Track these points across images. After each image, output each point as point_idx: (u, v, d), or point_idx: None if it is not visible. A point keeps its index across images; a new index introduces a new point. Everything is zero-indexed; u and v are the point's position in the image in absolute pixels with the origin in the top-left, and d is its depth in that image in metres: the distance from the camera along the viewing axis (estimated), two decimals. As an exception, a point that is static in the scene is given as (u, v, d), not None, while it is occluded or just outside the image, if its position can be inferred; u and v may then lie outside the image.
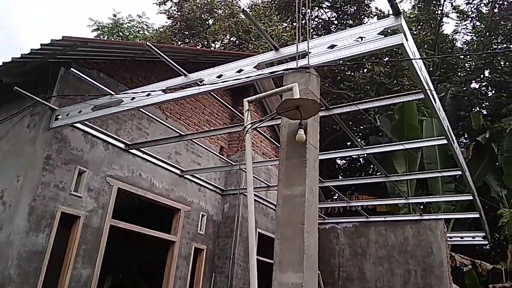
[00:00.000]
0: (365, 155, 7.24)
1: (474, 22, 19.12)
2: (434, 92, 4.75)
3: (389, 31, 3.92)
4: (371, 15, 17.23)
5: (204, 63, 8.09)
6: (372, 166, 20.04)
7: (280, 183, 3.79)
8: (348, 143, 16.83)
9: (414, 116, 12.94)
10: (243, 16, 20.40)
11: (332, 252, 11.25)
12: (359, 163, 21.37)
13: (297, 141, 3.71)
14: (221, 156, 9.67)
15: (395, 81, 14.03)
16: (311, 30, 16.96)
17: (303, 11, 15.57)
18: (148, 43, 4.92)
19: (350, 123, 16.81)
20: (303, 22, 15.96)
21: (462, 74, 17.80)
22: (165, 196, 8.27)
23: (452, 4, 18.89)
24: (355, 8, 17.08)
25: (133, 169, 7.64)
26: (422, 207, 14.88)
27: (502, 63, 18.17)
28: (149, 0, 23.69)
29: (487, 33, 17.26)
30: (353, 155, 19.00)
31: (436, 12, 17.84)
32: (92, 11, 49.95)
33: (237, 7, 19.32)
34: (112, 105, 5.67)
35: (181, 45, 20.48)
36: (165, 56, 4.88)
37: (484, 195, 13.06)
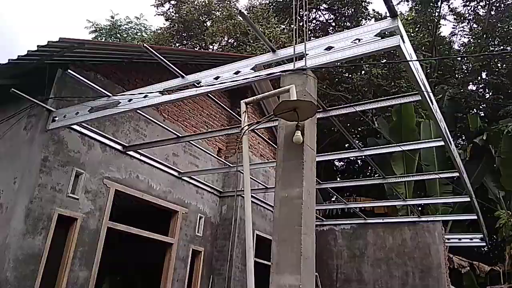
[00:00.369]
0: (363, 157, 7.24)
1: (471, 24, 19.20)
2: (431, 94, 4.76)
3: (386, 33, 3.93)
4: (369, 17, 17.28)
5: (201, 65, 8.07)
6: (370, 168, 20.06)
7: (277, 185, 3.78)
8: (346, 145, 16.84)
9: (411, 118, 12.96)
10: (241, 18, 20.45)
11: (330, 254, 11.23)
12: (357, 165, 21.39)
13: (294, 143, 3.70)
14: (219, 158, 9.66)
15: (392, 83, 14.06)
16: (309, 32, 16.99)
17: (300, 13, 15.61)
18: (145, 44, 4.92)
19: (348, 125, 16.82)
20: (300, 24, 15.99)
21: (459, 76, 17.86)
22: (162, 198, 8.25)
23: (449, 7, 18.98)
24: (352, 10, 17.12)
25: (130, 171, 7.62)
26: (420, 208, 14.90)
27: (499, 65, 18.24)
28: (147, 2, 23.67)
29: (484, 35, 17.31)
30: (351, 157, 19.06)
31: (433, 14, 17.89)
32: (90, 13, 49.95)
33: (235, 9, 19.33)
34: (109, 107, 5.66)
35: (179, 47, 20.49)
36: (162, 58, 4.88)
37: (482, 196, 13.07)
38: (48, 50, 5.90)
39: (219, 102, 6.51)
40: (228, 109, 7.35)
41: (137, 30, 26.21)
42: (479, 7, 18.77)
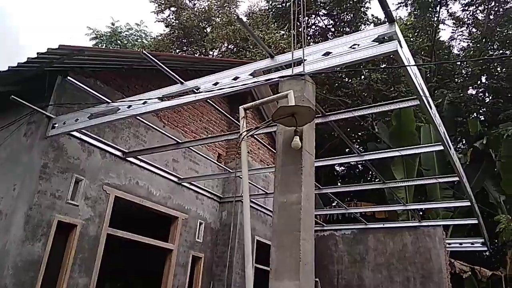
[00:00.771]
0: (363, 161, 7.24)
1: (470, 28, 19.24)
2: (429, 98, 4.77)
3: (385, 37, 3.94)
4: (368, 22, 17.33)
5: (201, 71, 8.10)
6: (370, 172, 20.02)
7: (276, 190, 3.78)
8: (347, 150, 16.82)
9: (411, 122, 12.97)
10: (239, 24, 20.54)
11: (331, 259, 11.20)
12: (357, 170, 21.36)
13: (293, 148, 3.71)
14: (219, 164, 9.66)
15: (392, 88, 14.08)
16: (308, 38, 17.05)
17: (299, 18, 15.64)
18: (144, 51, 4.94)
19: (348, 129, 16.82)
20: (300, 29, 16.02)
21: (459, 80, 17.88)
22: (162, 204, 8.24)
23: (448, 11, 19.03)
24: (351, 15, 17.18)
25: (130, 177, 7.62)
26: (421, 213, 14.86)
27: (498, 69, 18.25)
28: (147, 8, 23.90)
29: (483, 40, 17.35)
30: (352, 162, 19.05)
31: (432, 19, 17.95)
32: (90, 20, 50.21)
33: (234, 15, 19.42)
34: (108, 113, 5.68)
35: (179, 53, 20.57)
36: (161, 64, 4.90)
37: (483, 201, 13.04)
38: (48, 57, 5.93)
39: (218, 108, 6.53)
40: (228, 115, 7.36)
41: (138, 37, 26.30)
42: (478, 11, 18.84)
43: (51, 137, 6.24)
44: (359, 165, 20.30)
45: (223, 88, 4.62)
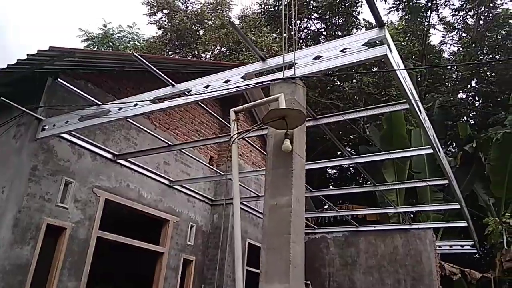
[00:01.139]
0: (354, 164, 7.27)
1: (461, 33, 19.48)
2: (419, 102, 4.81)
3: (377, 41, 3.98)
4: (359, 26, 17.46)
5: (193, 73, 8.10)
6: (362, 175, 20.11)
7: (267, 193, 3.79)
8: (338, 153, 16.89)
9: (402, 125, 13.07)
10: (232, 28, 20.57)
11: (323, 262, 11.22)
12: (349, 173, 21.46)
13: (284, 151, 3.72)
14: (210, 166, 9.64)
15: (383, 92, 14.18)
16: (300, 41, 17.13)
17: (292, 22, 15.73)
18: (135, 53, 4.93)
19: (340, 133, 16.91)
20: (292, 33, 16.07)
21: (449, 84, 18.08)
22: (153, 207, 8.20)
23: (438, 16, 19.26)
24: (343, 19, 17.29)
25: (121, 179, 7.58)
26: (412, 216, 14.95)
27: (488, 73, 18.50)
28: (139, 10, 23.81)
29: (473, 44, 17.57)
30: (344, 165, 19.14)
31: (423, 24, 18.14)
32: (82, 22, 49.94)
33: (227, 18, 19.43)
34: (99, 116, 5.65)
35: (172, 56, 20.53)
36: (152, 66, 4.89)
37: (472, 203, 13.17)
38: (38, 59, 5.88)
39: (210, 111, 6.51)
40: (219, 118, 7.36)
41: (130, 39, 26.21)
42: (468, 16, 19.07)
43: (41, 139, 6.19)
44: (351, 168, 20.40)
45: (215, 91, 4.63)
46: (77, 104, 6.10)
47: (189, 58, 19.61)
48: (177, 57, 18.81)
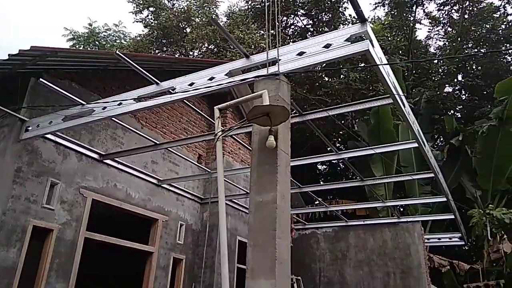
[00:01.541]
0: (341, 159, 7.30)
1: (446, 28, 19.64)
2: (402, 97, 4.84)
3: (363, 36, 3.98)
4: (346, 22, 17.51)
5: (179, 71, 8.01)
6: (351, 170, 20.21)
7: (252, 190, 3.79)
8: (328, 148, 16.95)
9: (389, 120, 13.15)
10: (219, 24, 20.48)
11: (313, 257, 11.27)
12: (339, 168, 21.56)
13: (268, 148, 3.72)
14: (199, 165, 9.61)
15: (370, 87, 14.26)
16: (287, 38, 17.12)
17: (278, 18, 15.68)
18: (117, 51, 4.88)
19: (330, 128, 16.97)
20: (279, 29, 16.01)
21: (436, 79, 18.22)
22: (141, 206, 8.16)
23: (424, 11, 19.38)
24: (330, 15, 17.32)
25: (108, 179, 7.52)
26: (402, 209, 15.09)
27: (474, 67, 18.70)
28: (125, 9, 23.57)
29: (459, 39, 17.74)
30: (333, 161, 19.21)
31: (409, 19, 18.26)
32: (67, 21, 49.27)
33: (214, 15, 19.34)
34: (83, 115, 5.59)
35: (159, 54, 20.39)
36: (135, 64, 4.85)
37: (460, 196, 13.33)
38: (20, 59, 5.80)
39: (196, 109, 6.47)
40: (206, 116, 7.33)
41: (116, 37, 25.95)
42: (453, 11, 19.24)
43: (24, 140, 6.11)
44: (341, 164, 20.50)
45: (199, 89, 4.60)
46: (61, 104, 6.03)
47: (176, 56, 19.50)
48: (162, 55, 18.67)
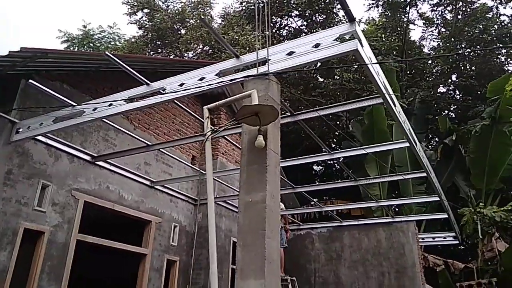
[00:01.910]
0: (334, 160, 7.30)
1: (440, 28, 19.74)
2: (393, 96, 4.85)
3: (349, 37, 3.98)
4: (340, 23, 17.54)
5: (172, 73, 7.99)
6: (349, 171, 20.22)
7: (242, 190, 3.78)
8: (324, 149, 16.95)
9: (382, 120, 13.18)
10: (215, 25, 20.48)
11: (308, 257, 11.26)
12: (334, 169, 21.58)
13: (257, 147, 3.71)
14: (193, 166, 9.58)
15: (364, 87, 14.29)
16: (281, 39, 17.14)
17: (272, 19, 15.73)
18: (106, 52, 4.86)
19: (325, 129, 16.99)
20: (273, 30, 16.05)
21: (430, 79, 18.30)
22: (134, 208, 8.12)
23: (418, 12, 19.47)
24: (324, 16, 17.36)
25: (100, 181, 7.48)
26: (397, 209, 15.11)
27: (468, 67, 18.80)
28: (119, 10, 23.53)
29: (452, 39, 17.82)
30: (328, 161, 19.23)
31: (403, 19, 18.32)
32: (61, 23, 49.08)
33: (208, 17, 19.33)
34: (74, 117, 5.56)
35: (154, 55, 20.35)
36: (124, 64, 4.83)
37: (454, 195, 13.39)
38: (10, 60, 5.76)
39: (187, 110, 6.45)
40: (199, 117, 7.31)
41: (111, 39, 25.87)
42: (447, 11, 19.33)
43: (15, 142, 6.07)
44: (336, 164, 20.52)
45: (189, 89, 4.59)
46: (52, 106, 5.99)
47: (171, 57, 19.46)
48: (156, 56, 18.63)
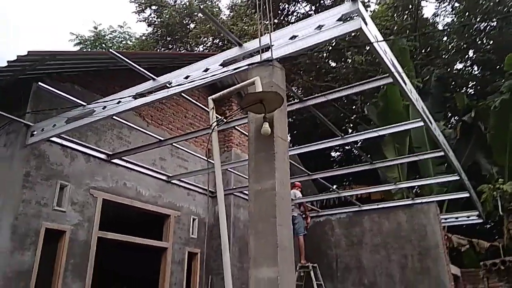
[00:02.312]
0: (349, 144, 7.20)
1: (453, 3, 19.13)
2: (403, 74, 4.73)
3: (351, 16, 3.88)
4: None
5: (181, 67, 8.01)
6: (366, 155, 19.97)
7: (251, 178, 3.76)
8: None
9: (398, 101, 12.90)
10: (223, 18, 20.40)
11: (328, 244, 11.22)
12: (352, 154, 21.35)
13: (264, 135, 3.68)
14: (207, 159, 9.57)
15: (378, 69, 14.01)
16: (289, 26, 16.89)
17: (280, 7, 15.51)
18: (111, 50, 4.88)
19: (340, 114, 16.80)
20: (281, 18, 15.84)
21: (445, 56, 17.82)
22: (152, 203, 8.22)
23: (430, -13, 18.90)
24: (332, 0, 17.06)
25: (117, 179, 7.58)
26: (419, 190, 14.84)
27: (484, 41, 18.21)
28: (128, 9, 23.68)
29: (467, 13, 17.27)
30: (346, 146, 19.01)
31: (414, -4, 17.81)
32: (73, 26, 49.58)
33: (216, 9, 19.27)
34: (85, 116, 5.63)
35: (164, 51, 20.43)
36: (127, 60, 4.85)
37: (476, 174, 13.06)
38: (20, 64, 5.85)
39: (195, 102, 6.42)
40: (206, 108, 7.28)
41: (122, 39, 26.07)
42: (460, -15, 18.69)
43: (31, 145, 6.19)
44: (354, 150, 20.29)
45: (194, 81, 4.58)
46: (63, 107, 6.07)
47: (182, 52, 19.50)
48: (165, 51, 18.69)
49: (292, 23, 17.31)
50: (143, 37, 22.06)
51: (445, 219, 11.50)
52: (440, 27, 19.37)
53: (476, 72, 18.88)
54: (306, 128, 18.00)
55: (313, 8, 17.62)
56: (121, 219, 8.78)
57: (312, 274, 9.71)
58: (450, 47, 18.55)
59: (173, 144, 7.70)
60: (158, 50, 21.00)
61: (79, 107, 5.74)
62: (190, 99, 6.03)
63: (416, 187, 14.26)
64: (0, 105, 5.94)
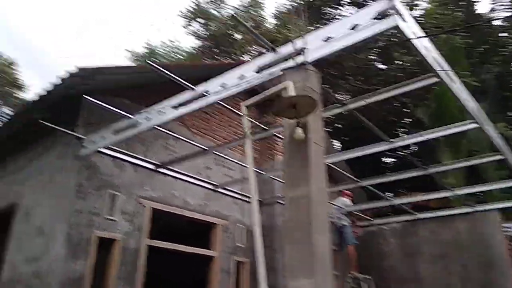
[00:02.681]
0: (395, 149, 6.86)
1: (511, -4, 17.84)
2: (450, 73, 4.43)
3: (388, 13, 3.70)
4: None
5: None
6: (420, 160, 19.05)
7: (286, 185, 3.67)
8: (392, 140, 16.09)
9: (452, 101, 12.13)
10: (268, 26, 20.52)
11: (382, 254, 10.75)
12: (408, 159, 20.41)
13: (298, 141, 3.58)
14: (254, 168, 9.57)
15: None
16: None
17: (322, 11, 15.27)
18: (149, 62, 5.03)
19: (391, 118, 16.17)
20: (325, 22, 15.51)
21: (505, 54, 16.62)
22: (199, 212, 8.31)
23: (485, -19, 17.81)
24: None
25: (164, 188, 7.76)
26: (481, 196, 13.83)
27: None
28: (177, 24, 24.59)
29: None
30: (399, 151, 18.22)
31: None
32: (128, 45, 52.41)
33: (260, 18, 19.42)
34: (131, 128, 5.83)
35: (205, 62, 20.90)
36: (165, 71, 4.97)
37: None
38: (71, 80, 6.17)
39: (233, 110, 6.37)
40: (250, 118, 7.27)
41: (173, 53, 27.11)
42: (518, -24, 17.43)
43: (83, 157, 6.51)
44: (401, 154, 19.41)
45: (230, 89, 4.58)
46: (112, 120, 6.33)
47: (225, 61, 19.82)
48: (208, 62, 19.05)
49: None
50: (193, 51, 22.75)
51: (509, 227, 10.61)
52: (498, 22, 18.13)
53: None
54: (355, 134, 17.52)
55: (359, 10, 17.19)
56: (170, 228, 8.96)
57: (366, 287, 9.30)
58: (510, 43, 17.29)
59: (215, 152, 7.75)
60: (207, 62, 21.52)
61: (125, 120, 5.95)
62: (228, 107, 6.03)
63: (477, 193, 13.30)
64: (52, 119, 6.30)
